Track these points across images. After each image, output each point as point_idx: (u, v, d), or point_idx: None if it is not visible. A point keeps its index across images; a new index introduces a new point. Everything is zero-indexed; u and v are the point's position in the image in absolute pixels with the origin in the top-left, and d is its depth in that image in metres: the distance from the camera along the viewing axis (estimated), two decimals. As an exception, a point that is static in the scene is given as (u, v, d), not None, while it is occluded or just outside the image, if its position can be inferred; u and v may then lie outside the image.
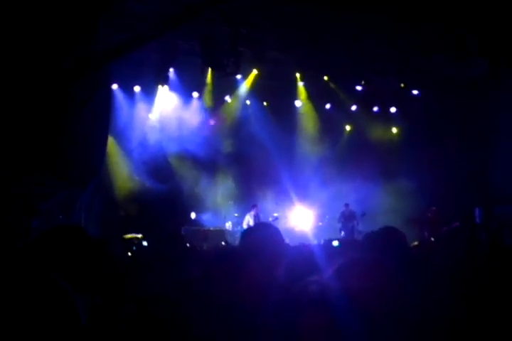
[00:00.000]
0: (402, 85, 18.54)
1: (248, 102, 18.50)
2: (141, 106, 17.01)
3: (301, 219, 16.72)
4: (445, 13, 13.04)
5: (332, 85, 18.37)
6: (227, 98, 18.30)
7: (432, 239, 14.69)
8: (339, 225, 16.62)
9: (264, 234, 3.07)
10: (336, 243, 5.71)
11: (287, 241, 12.07)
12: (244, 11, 12.68)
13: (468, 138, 18.31)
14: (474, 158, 18.24)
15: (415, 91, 18.75)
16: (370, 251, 3.67)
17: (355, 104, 19.27)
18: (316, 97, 18.79)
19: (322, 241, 13.56)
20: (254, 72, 17.44)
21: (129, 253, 9.70)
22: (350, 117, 19.53)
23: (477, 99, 18.19)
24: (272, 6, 13.21)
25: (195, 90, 17.60)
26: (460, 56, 15.39)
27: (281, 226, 15.75)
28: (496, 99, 17.88)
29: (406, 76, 18.20)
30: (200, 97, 17.73)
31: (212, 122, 18.23)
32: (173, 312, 3.22)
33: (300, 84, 18.52)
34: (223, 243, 14.58)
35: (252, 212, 15.83)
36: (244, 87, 17.96)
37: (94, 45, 9.54)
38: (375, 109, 19.46)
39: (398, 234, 3.78)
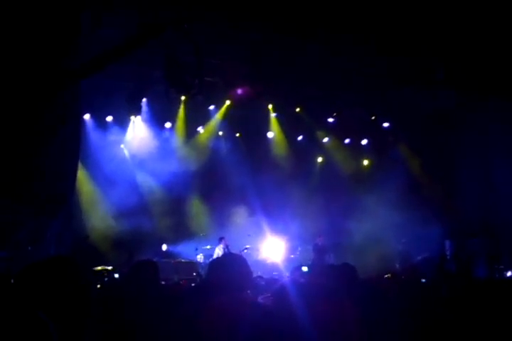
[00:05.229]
0: (373, 118, 18.80)
1: (221, 133, 18.53)
2: (113, 137, 16.87)
3: (272, 251, 16.58)
4: (414, 45, 13.33)
5: (304, 117, 18.52)
6: (200, 129, 18.29)
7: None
8: (312, 257, 16.51)
9: (231, 265, 3.04)
10: (305, 268, 5.68)
11: (259, 273, 11.95)
12: (215, 41, 12.80)
13: (438, 170, 18.56)
14: (444, 190, 18.45)
15: (386, 124, 19.01)
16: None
17: (327, 135, 19.46)
18: (288, 128, 18.92)
19: (291, 268, 13.34)
20: (227, 102, 17.52)
21: (98, 286, 9.56)
22: (322, 149, 19.69)
23: (445, 132, 18.51)
24: (242, 36, 13.36)
25: (168, 120, 17.61)
26: (429, 89, 15.68)
27: (252, 258, 15.63)
28: (463, 131, 18.20)
29: (377, 108, 18.47)
30: (172, 128, 17.71)
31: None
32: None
33: (272, 115, 18.64)
34: (194, 274, 14.41)
35: (221, 245, 15.56)
36: (217, 117, 17.99)
37: (61, 66, 9.46)
38: (347, 140, 19.68)
39: (350, 269, 4.10)
